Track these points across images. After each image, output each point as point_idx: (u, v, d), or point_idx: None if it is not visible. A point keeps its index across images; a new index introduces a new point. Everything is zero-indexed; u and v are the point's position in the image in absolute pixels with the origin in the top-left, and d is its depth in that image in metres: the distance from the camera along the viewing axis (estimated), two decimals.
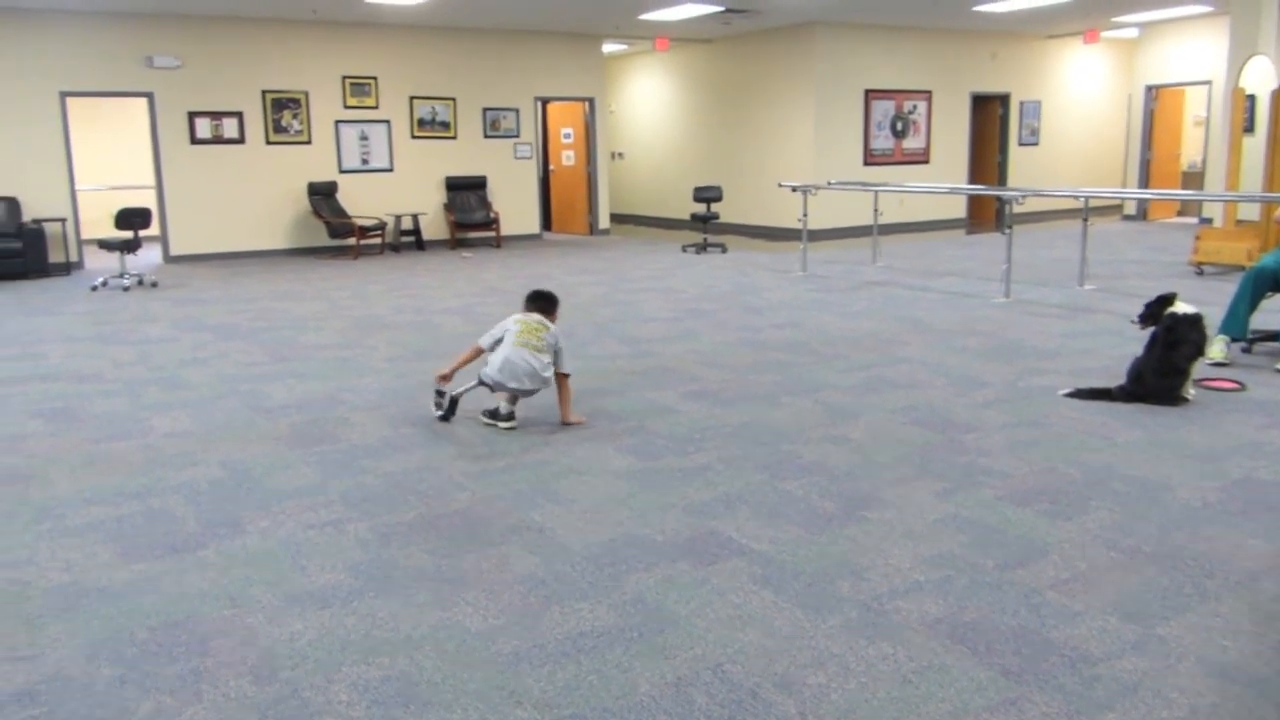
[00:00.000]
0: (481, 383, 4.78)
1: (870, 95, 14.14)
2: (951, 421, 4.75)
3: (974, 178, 15.77)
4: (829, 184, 11.44)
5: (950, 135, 15.14)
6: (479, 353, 4.85)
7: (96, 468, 4.25)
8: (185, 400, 5.40)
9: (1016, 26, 14.62)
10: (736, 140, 14.95)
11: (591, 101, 14.82)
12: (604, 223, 15.35)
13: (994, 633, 2.68)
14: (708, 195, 12.69)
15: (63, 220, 11.40)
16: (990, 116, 15.94)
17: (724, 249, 12.55)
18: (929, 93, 14.75)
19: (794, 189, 10.80)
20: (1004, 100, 15.85)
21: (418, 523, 3.55)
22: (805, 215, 10.67)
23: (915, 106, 14.66)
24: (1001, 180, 16.04)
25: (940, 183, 14.79)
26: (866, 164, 14.24)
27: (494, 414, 4.77)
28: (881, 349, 6.46)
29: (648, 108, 16.90)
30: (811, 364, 6.05)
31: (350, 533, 3.46)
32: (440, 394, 4.89)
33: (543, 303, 4.99)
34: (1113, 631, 2.68)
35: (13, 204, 11.02)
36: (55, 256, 11.32)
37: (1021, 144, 16.17)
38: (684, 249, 12.73)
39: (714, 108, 15.36)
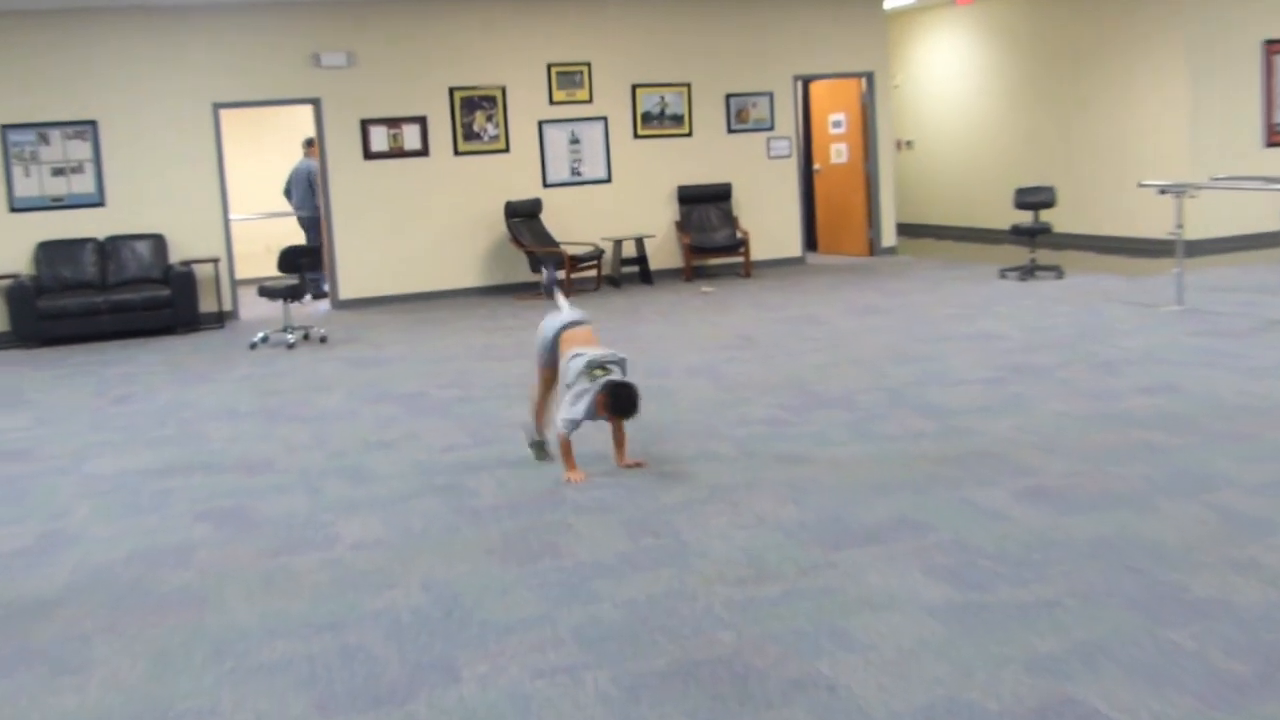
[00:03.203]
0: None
1: (1270, 48, 13.54)
2: None
3: None
4: (1212, 180, 11.02)
5: None
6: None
7: (278, 589, 4.70)
8: (373, 498, 5.88)
9: None
10: (1074, 122, 14.65)
11: (870, 77, 14.97)
12: (888, 238, 15.38)
13: None
14: (1035, 200, 12.50)
15: (215, 260, 12.60)
16: None
17: (1059, 273, 12.29)
18: None
19: (1162, 190, 10.48)
20: None
21: (672, 672, 3.73)
22: (1180, 226, 10.31)
23: None
24: None
25: None
26: (1269, 144, 13.63)
27: (540, 445, 6.36)
28: None
29: (946, 81, 16.85)
30: (1199, 449, 5.89)
31: (589, 684, 3.68)
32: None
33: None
34: None
35: (159, 242, 12.31)
36: (207, 304, 12.49)
37: None
38: (1003, 274, 12.56)
39: (1040, 79, 15.13)
